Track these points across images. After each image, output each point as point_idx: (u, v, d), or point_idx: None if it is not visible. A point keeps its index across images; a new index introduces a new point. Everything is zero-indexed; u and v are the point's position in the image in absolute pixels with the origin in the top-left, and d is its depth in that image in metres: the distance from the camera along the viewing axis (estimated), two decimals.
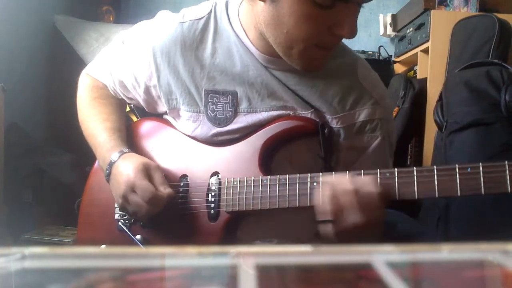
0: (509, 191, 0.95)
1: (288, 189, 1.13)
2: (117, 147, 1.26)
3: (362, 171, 1.08)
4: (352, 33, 1.09)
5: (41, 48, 2.84)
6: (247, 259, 0.45)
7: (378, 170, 1.06)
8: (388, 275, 0.41)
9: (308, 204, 1.11)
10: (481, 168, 0.97)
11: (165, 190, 1.18)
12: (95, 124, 1.34)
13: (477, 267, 0.46)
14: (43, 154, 2.41)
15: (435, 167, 1.01)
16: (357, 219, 1.00)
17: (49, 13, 2.88)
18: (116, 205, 1.32)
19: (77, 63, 2.66)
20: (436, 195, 1.00)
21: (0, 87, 2.08)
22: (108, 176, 1.25)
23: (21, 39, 2.62)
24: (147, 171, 1.19)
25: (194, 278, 0.45)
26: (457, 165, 0.99)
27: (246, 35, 1.24)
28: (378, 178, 1.05)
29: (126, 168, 1.19)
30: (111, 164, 1.23)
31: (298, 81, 1.24)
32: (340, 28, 1.08)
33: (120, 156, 1.23)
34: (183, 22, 1.29)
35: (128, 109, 1.63)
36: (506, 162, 0.96)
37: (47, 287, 0.44)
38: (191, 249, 0.46)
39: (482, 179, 0.96)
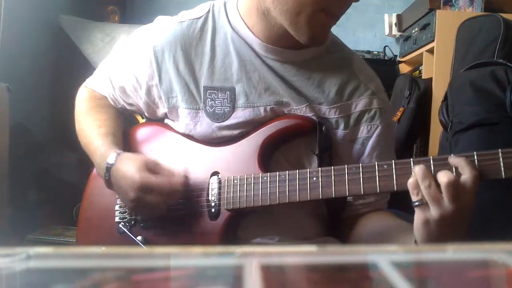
0: (504, 177, 0.98)
1: (288, 184, 1.14)
2: (109, 150, 1.25)
3: (360, 164, 1.09)
4: None
5: (46, 48, 2.84)
6: (252, 259, 0.45)
7: (376, 162, 1.07)
8: (393, 275, 0.41)
9: (308, 199, 1.12)
10: (475, 157, 0.98)
11: (178, 176, 1.20)
12: (90, 131, 1.34)
13: (481, 267, 0.46)
14: (48, 154, 2.42)
15: (431, 157, 1.02)
16: (451, 208, 0.95)
17: (54, 13, 2.88)
18: (116, 208, 1.32)
19: (82, 63, 2.67)
20: None
21: (5, 87, 2.09)
22: (108, 181, 1.24)
23: (26, 39, 2.62)
24: (150, 168, 1.19)
25: (199, 278, 0.45)
26: (452, 155, 1.00)
27: (246, 24, 1.26)
28: (376, 171, 1.06)
29: (128, 171, 1.18)
30: (108, 169, 1.22)
31: (295, 73, 1.26)
32: None
33: (115, 159, 1.22)
34: (182, 21, 1.31)
35: None
36: (500, 149, 0.98)
37: (52, 287, 0.44)
38: (196, 249, 0.46)
39: (477, 167, 0.98)
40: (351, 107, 1.26)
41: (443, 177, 0.95)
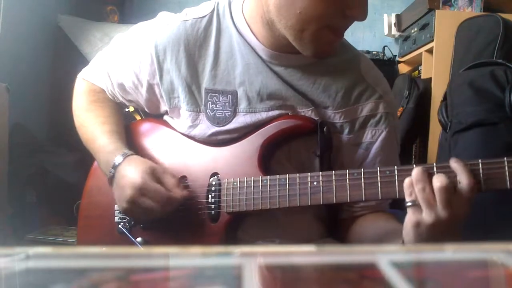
0: (508, 187, 0.95)
1: (288, 188, 1.13)
2: (118, 149, 1.24)
3: (362, 169, 1.07)
4: (363, 15, 1.14)
5: (45, 48, 2.84)
6: (251, 259, 0.45)
7: (378, 168, 1.06)
8: (392, 275, 0.41)
9: (309, 204, 1.11)
10: (480, 165, 0.96)
11: (181, 191, 1.18)
12: (93, 128, 1.32)
13: (481, 267, 0.46)
14: (47, 154, 2.42)
15: (434, 164, 1.00)
16: (443, 214, 0.93)
17: (53, 13, 2.88)
18: (116, 208, 1.30)
19: (81, 63, 2.65)
20: None
21: (4, 87, 2.09)
22: (111, 179, 1.23)
23: (25, 39, 2.62)
24: (155, 174, 1.18)
25: (198, 278, 0.45)
26: (454, 159, 0.98)
27: (251, 30, 1.24)
28: (378, 177, 1.04)
29: (131, 172, 1.17)
30: (114, 167, 1.21)
31: (300, 77, 1.24)
32: (352, 9, 1.12)
33: (124, 159, 1.21)
34: (186, 20, 1.28)
35: (132, 108, 1.63)
36: (505, 158, 0.95)
37: (51, 287, 0.44)
38: (195, 249, 0.46)
39: (481, 176, 0.95)
40: (357, 111, 1.24)
41: (436, 181, 0.94)
